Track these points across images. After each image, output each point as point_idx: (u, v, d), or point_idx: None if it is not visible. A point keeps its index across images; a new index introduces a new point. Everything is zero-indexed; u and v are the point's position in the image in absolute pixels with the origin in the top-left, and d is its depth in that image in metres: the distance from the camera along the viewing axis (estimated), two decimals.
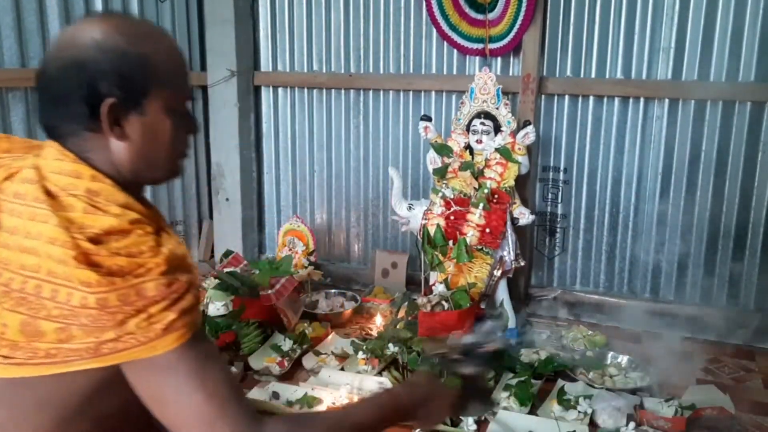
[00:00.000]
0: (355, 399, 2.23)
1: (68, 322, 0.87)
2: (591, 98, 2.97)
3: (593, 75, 2.95)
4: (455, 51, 3.12)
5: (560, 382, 2.34)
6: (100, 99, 0.95)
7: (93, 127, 0.97)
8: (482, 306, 2.62)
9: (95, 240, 0.89)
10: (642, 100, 2.90)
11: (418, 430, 2.02)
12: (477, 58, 3.10)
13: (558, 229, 3.15)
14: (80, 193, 0.93)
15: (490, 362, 1.27)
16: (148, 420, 0.98)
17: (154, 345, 0.89)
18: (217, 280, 2.92)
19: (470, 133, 2.84)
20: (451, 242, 2.67)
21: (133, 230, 0.92)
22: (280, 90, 3.57)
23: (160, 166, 1.05)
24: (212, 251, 3.70)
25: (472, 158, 2.86)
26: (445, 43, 3.11)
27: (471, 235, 2.71)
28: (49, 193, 0.93)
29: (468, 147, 2.86)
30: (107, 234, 0.90)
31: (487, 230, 2.71)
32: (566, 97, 3.01)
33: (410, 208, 2.88)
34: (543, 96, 3.03)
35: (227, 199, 3.59)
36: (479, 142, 2.82)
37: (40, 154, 1.00)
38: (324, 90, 3.46)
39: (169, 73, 1.01)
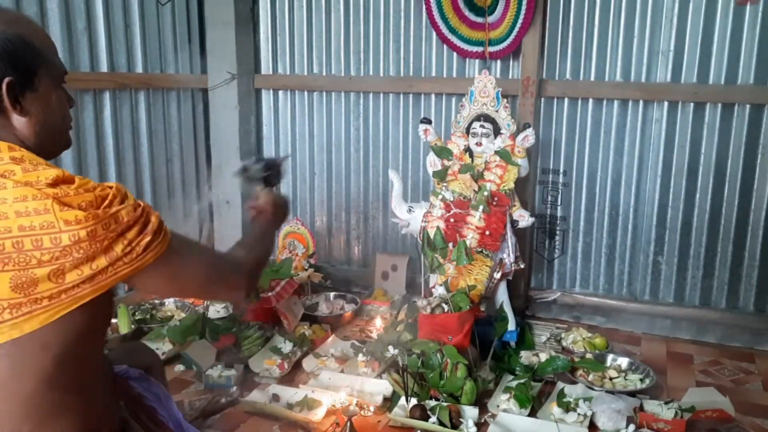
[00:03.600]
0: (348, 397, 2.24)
1: (61, 262, 0.98)
2: (590, 101, 2.98)
3: (593, 78, 2.95)
4: (455, 54, 3.13)
5: (560, 385, 2.35)
6: None
7: None
8: (482, 308, 2.62)
9: (54, 186, 0.99)
10: (641, 102, 2.90)
11: None
12: (477, 60, 3.11)
13: (558, 232, 3.16)
14: (7, 162, 1.02)
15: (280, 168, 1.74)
16: (112, 376, 1.29)
17: (142, 260, 1.06)
18: None
19: (470, 135, 2.85)
20: (451, 245, 2.68)
21: (74, 177, 1.03)
22: (280, 93, 3.58)
23: (59, 136, 1.17)
24: None
25: (472, 161, 2.86)
26: (445, 45, 3.11)
27: (471, 237, 2.72)
28: None
29: (468, 150, 2.87)
30: (56, 181, 1.00)
31: (487, 232, 2.71)
32: (566, 99, 3.02)
33: (410, 210, 2.88)
34: (542, 98, 3.04)
35: (227, 202, 3.60)
36: (479, 144, 2.82)
37: None
38: (324, 93, 3.47)
39: (47, 51, 1.13)
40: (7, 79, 1.05)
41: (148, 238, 1.06)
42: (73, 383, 1.09)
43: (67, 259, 0.98)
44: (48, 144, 1.14)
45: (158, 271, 1.11)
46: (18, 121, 1.08)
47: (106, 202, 1.02)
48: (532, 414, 2.19)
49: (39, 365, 1.03)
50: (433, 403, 2.19)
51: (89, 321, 1.06)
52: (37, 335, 1.00)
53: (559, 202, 3.12)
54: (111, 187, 1.05)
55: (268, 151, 3.65)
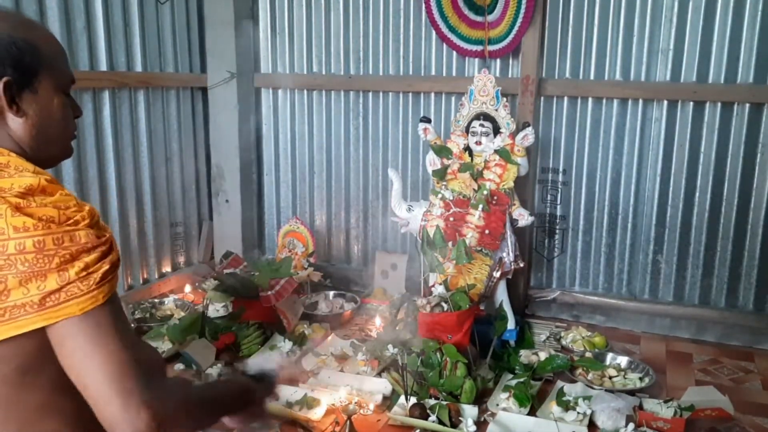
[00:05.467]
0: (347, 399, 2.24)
1: (3, 273, 0.91)
2: (590, 100, 2.98)
3: (592, 77, 2.95)
4: (454, 53, 3.13)
5: (559, 383, 2.35)
6: None
7: None
8: (482, 307, 2.62)
9: (22, 197, 0.95)
10: (641, 101, 2.90)
11: None
12: (476, 59, 3.11)
13: (557, 231, 3.16)
14: None
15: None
16: None
17: (95, 295, 0.94)
18: (216, 282, 2.92)
19: (469, 134, 2.85)
20: (450, 243, 2.68)
21: (56, 190, 0.99)
22: (279, 92, 3.58)
23: (55, 142, 1.13)
24: (212, 252, 3.71)
25: (472, 160, 2.86)
26: (445, 44, 3.11)
27: (470, 236, 2.72)
28: None
29: (467, 148, 2.87)
30: (30, 191, 0.96)
31: (487, 231, 2.71)
32: (565, 98, 3.02)
33: (410, 209, 2.88)
34: (542, 98, 3.03)
35: (227, 201, 3.60)
36: (478, 143, 2.82)
37: None
38: (324, 92, 3.47)
39: (53, 55, 1.11)
40: (4, 79, 1.04)
41: (106, 267, 0.96)
42: (56, 385, 1.03)
43: (10, 270, 0.90)
44: (44, 149, 1.11)
45: (88, 322, 0.94)
46: (14, 121, 1.07)
47: (70, 221, 0.95)
48: (532, 413, 2.19)
49: (1, 375, 0.98)
50: (432, 401, 2.19)
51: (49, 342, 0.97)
52: None
53: (558, 201, 3.12)
54: (84, 209, 0.98)
55: (268, 151, 3.65)
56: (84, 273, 0.94)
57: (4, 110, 1.06)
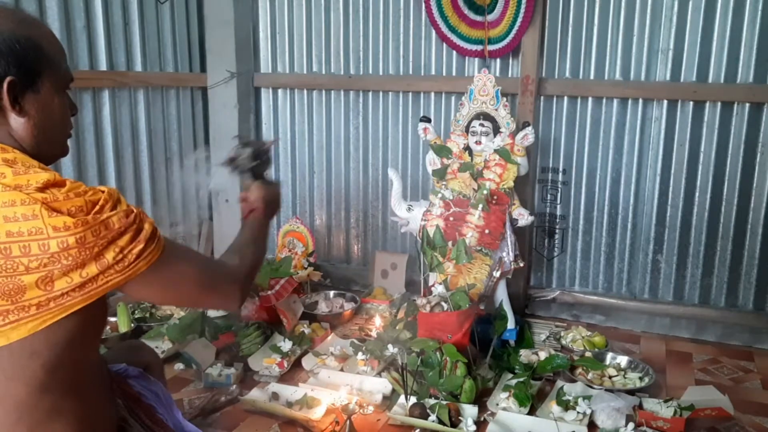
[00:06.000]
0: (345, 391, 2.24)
1: (49, 269, 0.96)
2: (590, 99, 2.98)
3: (592, 76, 2.95)
4: (454, 52, 3.13)
5: (559, 383, 2.35)
6: (0, 78, 1.04)
7: None
8: (481, 307, 2.62)
9: (43, 191, 0.97)
10: (641, 101, 2.90)
11: None
12: (476, 59, 3.11)
13: (557, 230, 3.16)
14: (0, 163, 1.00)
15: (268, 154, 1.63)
16: (109, 376, 1.30)
17: (134, 268, 1.04)
18: None
19: (469, 134, 2.85)
20: (450, 243, 2.68)
21: (65, 180, 1.01)
22: (279, 91, 3.58)
23: (56, 141, 1.16)
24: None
25: (472, 159, 2.86)
26: (445, 44, 3.11)
27: (470, 236, 2.72)
28: None
29: (467, 148, 2.87)
30: (47, 185, 0.99)
31: (487, 231, 2.71)
32: (565, 98, 3.02)
33: (410, 209, 2.88)
34: (542, 97, 3.03)
35: (227, 200, 3.60)
36: (478, 143, 2.82)
37: None
38: (323, 91, 3.47)
39: (55, 55, 1.11)
40: (8, 79, 1.04)
41: (140, 246, 1.04)
42: (67, 388, 1.08)
43: (55, 266, 0.95)
44: (44, 148, 1.12)
45: (150, 280, 1.08)
46: (15, 121, 1.07)
47: (97, 207, 1.00)
48: (532, 412, 2.19)
49: (29, 372, 1.01)
50: (432, 401, 2.19)
51: (81, 328, 1.04)
52: (26, 343, 0.99)
53: (558, 201, 3.12)
54: (103, 191, 1.03)
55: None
56: (120, 256, 1.02)
57: (7, 109, 1.06)
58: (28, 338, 0.98)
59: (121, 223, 1.02)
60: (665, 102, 2.87)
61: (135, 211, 1.06)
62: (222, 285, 1.24)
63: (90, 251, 0.98)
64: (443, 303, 2.46)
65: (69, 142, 1.22)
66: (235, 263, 1.32)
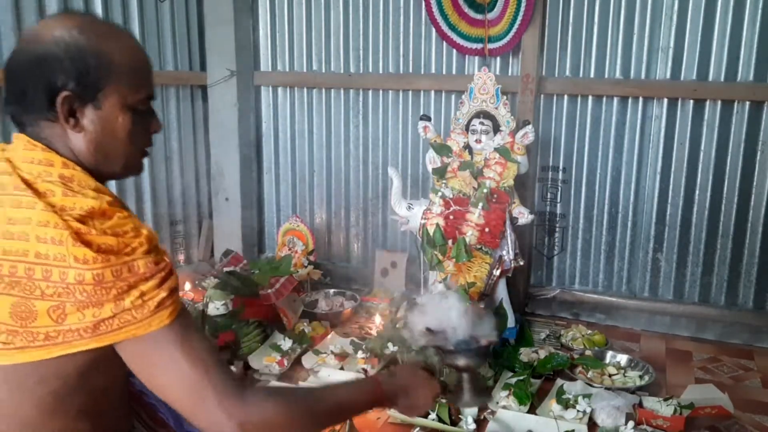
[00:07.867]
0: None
1: (62, 300, 0.91)
2: (590, 98, 2.98)
3: (592, 75, 2.95)
4: (454, 51, 3.12)
5: (559, 381, 2.35)
6: (57, 91, 1.00)
7: (52, 118, 1.02)
8: (481, 305, 2.62)
9: (82, 221, 0.94)
10: (641, 99, 2.90)
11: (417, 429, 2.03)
12: (476, 57, 3.10)
13: (557, 229, 3.16)
14: (54, 179, 0.98)
15: (485, 356, 1.34)
16: (128, 393, 1.19)
17: (149, 322, 0.95)
18: (216, 280, 2.92)
19: (469, 132, 2.85)
20: (450, 242, 2.68)
21: (114, 213, 0.97)
22: (279, 90, 3.58)
23: (117, 159, 1.09)
24: (212, 251, 3.71)
25: (472, 158, 2.86)
26: (445, 42, 3.11)
27: (470, 234, 2.72)
28: (25, 182, 0.97)
29: (467, 147, 2.87)
30: (91, 215, 0.95)
31: (487, 230, 2.71)
32: (565, 96, 3.02)
33: (409, 207, 2.88)
34: (542, 96, 3.03)
35: (227, 199, 3.60)
36: (478, 141, 2.82)
37: (6, 148, 1.05)
38: (323, 90, 3.47)
39: (128, 70, 1.05)
40: (63, 93, 0.99)
41: (163, 294, 0.96)
42: (81, 410, 1.03)
43: (69, 298, 0.91)
44: (103, 166, 1.06)
45: (150, 345, 0.97)
46: (72, 135, 1.03)
47: (128, 248, 0.95)
48: (532, 411, 2.19)
49: (37, 397, 0.98)
50: None
51: (94, 362, 0.99)
52: (33, 369, 0.96)
53: (558, 199, 3.12)
54: (141, 235, 0.97)
55: (268, 149, 3.64)
56: (140, 301, 0.94)
57: (62, 123, 1.02)
58: (35, 364, 0.95)
59: (147, 268, 0.95)
60: (665, 100, 2.87)
61: (166, 260, 0.99)
62: (222, 396, 1.00)
63: (107, 292, 0.92)
64: None
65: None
66: (270, 401, 1.05)
